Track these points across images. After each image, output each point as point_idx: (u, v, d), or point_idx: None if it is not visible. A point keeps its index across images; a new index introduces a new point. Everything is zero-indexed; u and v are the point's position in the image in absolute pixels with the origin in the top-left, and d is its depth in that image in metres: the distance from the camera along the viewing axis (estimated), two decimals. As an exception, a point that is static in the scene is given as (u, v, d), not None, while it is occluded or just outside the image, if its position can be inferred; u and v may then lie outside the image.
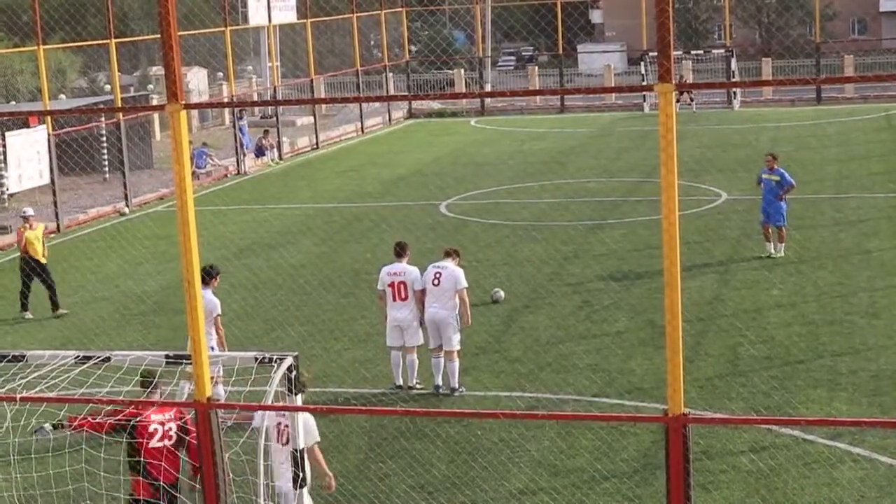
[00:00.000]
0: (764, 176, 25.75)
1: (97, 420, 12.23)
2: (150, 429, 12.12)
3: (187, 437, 11.71)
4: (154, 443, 12.08)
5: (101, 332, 22.60)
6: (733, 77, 56.22)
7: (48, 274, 24.82)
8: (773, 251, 25.48)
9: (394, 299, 18.13)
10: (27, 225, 25.00)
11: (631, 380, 18.25)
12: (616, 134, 49.06)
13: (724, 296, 22.74)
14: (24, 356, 12.66)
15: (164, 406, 12.00)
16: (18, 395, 13.31)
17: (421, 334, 18.15)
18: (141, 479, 12.08)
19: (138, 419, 12.03)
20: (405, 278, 18.13)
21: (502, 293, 23.04)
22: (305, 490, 11.20)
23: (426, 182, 38.53)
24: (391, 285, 18.13)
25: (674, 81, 8.68)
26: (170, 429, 12.12)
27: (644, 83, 54.15)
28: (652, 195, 32.33)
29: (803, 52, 67.09)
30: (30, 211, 25.97)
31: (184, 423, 11.90)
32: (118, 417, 12.13)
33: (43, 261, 24.85)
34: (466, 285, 18.17)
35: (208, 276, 17.45)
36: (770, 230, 25.57)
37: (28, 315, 24.66)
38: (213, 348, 16.17)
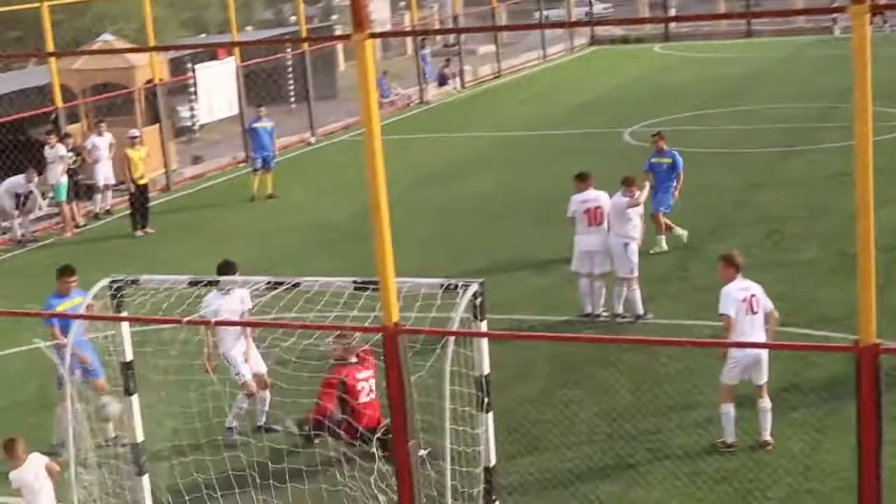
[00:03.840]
0: (653, 160, 22.23)
1: (318, 407, 13.43)
2: (357, 387, 13.54)
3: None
4: (362, 398, 13.62)
5: (290, 258, 23.12)
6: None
7: (145, 195, 27.13)
8: (664, 245, 21.80)
9: (589, 224, 18.15)
10: (134, 146, 27.00)
11: (820, 309, 17.89)
12: (805, 59, 47.76)
13: (919, 223, 22.06)
14: (217, 282, 13.03)
15: (365, 365, 13.69)
16: (213, 320, 13.75)
17: (609, 261, 18.14)
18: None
19: (345, 377, 13.50)
20: (600, 203, 18.20)
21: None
22: (490, 415, 11.30)
23: (609, 109, 38.18)
24: (587, 211, 18.14)
25: (868, 2, 8.40)
26: (372, 384, 13.63)
27: (835, 4, 52.52)
28: (843, 121, 31.39)
29: None
30: (135, 132, 28.01)
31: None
32: (329, 378, 13.15)
33: (142, 182, 26.90)
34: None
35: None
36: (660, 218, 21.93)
37: (138, 234, 26.73)
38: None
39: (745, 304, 13.44)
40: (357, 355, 13.84)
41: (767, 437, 13.53)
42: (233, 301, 14.51)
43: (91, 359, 14.78)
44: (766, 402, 13.57)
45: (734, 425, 13.56)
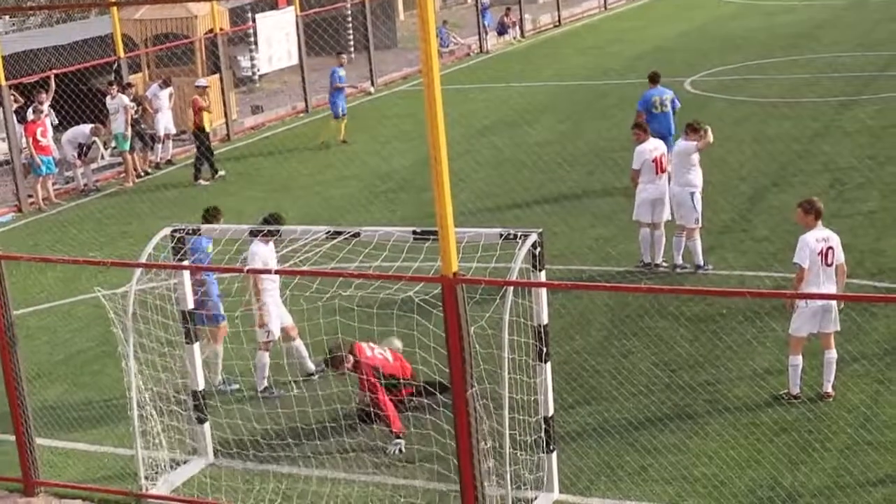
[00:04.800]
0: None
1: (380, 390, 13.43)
2: (378, 358, 13.60)
3: None
4: (391, 362, 13.66)
5: (349, 208, 23.21)
6: None
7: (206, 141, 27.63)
8: None
9: (656, 172, 18.02)
10: (205, 96, 27.59)
11: (881, 260, 17.71)
12: (871, 5, 46.99)
13: None
14: (278, 231, 13.11)
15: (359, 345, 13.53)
16: (274, 269, 13.85)
17: (668, 211, 18.06)
18: (392, 396, 13.45)
19: (372, 364, 13.44)
20: (663, 151, 18.18)
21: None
22: (548, 365, 11.33)
23: (670, 58, 37.78)
24: (655, 160, 18.02)
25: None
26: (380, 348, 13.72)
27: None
28: (908, 69, 31.09)
29: None
30: (203, 81, 28.61)
31: None
32: (369, 378, 13.40)
33: (208, 129, 27.50)
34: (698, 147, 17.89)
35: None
36: None
37: (202, 182, 27.09)
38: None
39: (821, 255, 13.26)
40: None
41: (829, 388, 13.46)
42: (270, 250, 14.59)
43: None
44: (832, 354, 13.47)
45: (800, 377, 13.51)
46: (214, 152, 27.82)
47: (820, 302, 13.21)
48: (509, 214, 21.51)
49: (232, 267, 13.96)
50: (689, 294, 16.37)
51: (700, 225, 17.94)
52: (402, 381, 13.54)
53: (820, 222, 13.48)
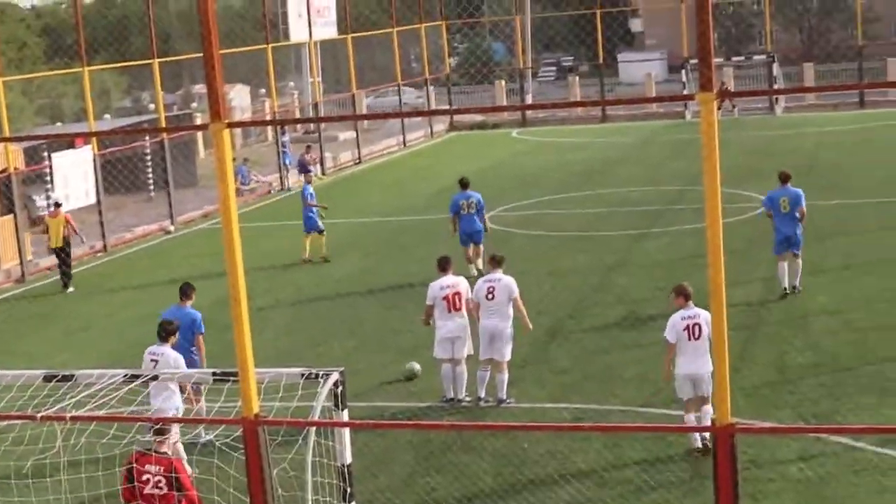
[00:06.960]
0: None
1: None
2: (143, 477, 12.77)
3: (176, 485, 12.29)
4: (147, 489, 12.78)
5: (149, 349, 22.72)
6: (775, 83, 55.86)
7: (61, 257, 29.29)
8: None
9: (448, 311, 18.14)
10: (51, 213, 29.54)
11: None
12: (658, 143, 48.91)
13: (770, 303, 22.62)
14: (73, 376, 12.78)
15: (157, 460, 12.50)
16: (69, 415, 13.43)
17: (469, 345, 18.19)
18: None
19: (135, 465, 12.62)
20: (459, 289, 18.23)
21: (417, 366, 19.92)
22: (353, 504, 11.24)
23: (469, 194, 38.48)
24: (446, 298, 18.13)
25: (715, 90, 8.67)
26: (159, 480, 12.74)
27: (685, 91, 53.96)
28: (696, 203, 32.22)
29: (846, 57, 66.50)
30: (58, 199, 30.45)
31: (173, 473, 12.30)
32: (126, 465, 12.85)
33: (56, 245, 29.08)
34: (518, 293, 18.22)
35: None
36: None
37: (70, 290, 28.87)
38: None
39: (687, 331, 15.32)
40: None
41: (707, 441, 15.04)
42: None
43: None
44: (708, 408, 15.24)
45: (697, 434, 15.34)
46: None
47: (692, 372, 15.25)
48: (311, 352, 21.43)
49: (23, 414, 13.50)
50: (492, 429, 16.48)
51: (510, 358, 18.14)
52: None
53: (690, 303, 15.38)
